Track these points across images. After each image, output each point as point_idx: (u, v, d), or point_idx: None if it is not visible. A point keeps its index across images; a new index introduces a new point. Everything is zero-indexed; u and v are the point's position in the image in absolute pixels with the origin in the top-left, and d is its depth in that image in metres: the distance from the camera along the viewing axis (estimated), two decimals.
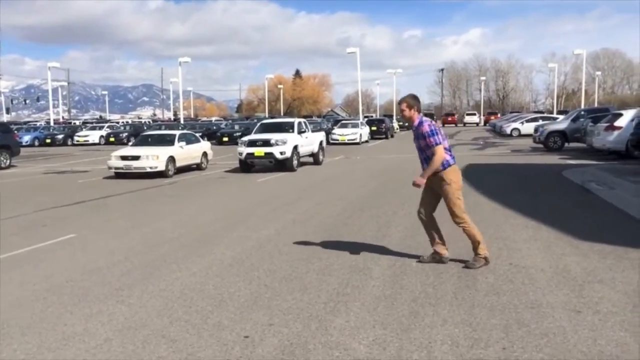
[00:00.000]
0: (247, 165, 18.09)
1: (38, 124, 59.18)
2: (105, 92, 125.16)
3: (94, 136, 41.96)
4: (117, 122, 59.51)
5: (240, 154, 17.97)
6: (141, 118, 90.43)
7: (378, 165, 19.67)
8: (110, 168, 17.41)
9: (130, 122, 63.01)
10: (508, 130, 39.40)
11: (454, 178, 5.88)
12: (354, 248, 7.11)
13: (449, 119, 71.91)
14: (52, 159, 27.33)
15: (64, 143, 41.33)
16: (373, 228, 8.42)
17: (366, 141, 35.59)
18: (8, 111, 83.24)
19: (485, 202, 10.49)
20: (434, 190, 6.03)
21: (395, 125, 51.26)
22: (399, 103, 6.12)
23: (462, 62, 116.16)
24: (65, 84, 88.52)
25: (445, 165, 5.84)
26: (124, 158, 17.27)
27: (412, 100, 5.94)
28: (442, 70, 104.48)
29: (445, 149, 5.84)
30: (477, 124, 69.98)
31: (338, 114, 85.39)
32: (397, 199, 11.25)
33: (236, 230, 8.63)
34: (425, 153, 5.91)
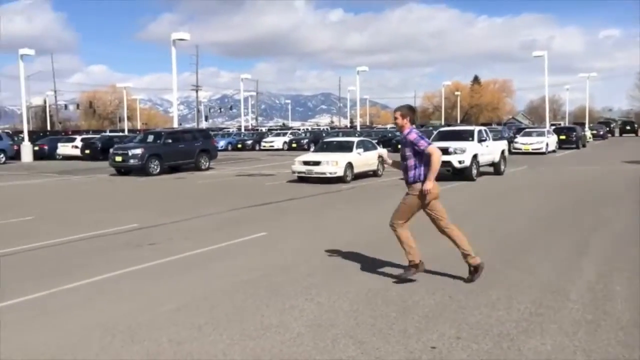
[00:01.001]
0: None
1: (231, 130, 65.32)
2: (288, 101, 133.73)
3: (278, 142, 45.04)
4: (298, 129, 63.22)
5: None
6: (319, 125, 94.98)
7: (567, 178, 18.12)
8: (294, 172, 18.49)
9: (310, 129, 66.53)
10: None
11: (423, 195, 5.92)
12: (545, 266, 6.62)
13: None
14: (243, 163, 29.89)
15: (252, 148, 45.03)
16: (566, 246, 7.75)
17: (553, 151, 33.08)
18: (206, 119, 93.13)
19: None
20: (416, 202, 6.08)
21: (588, 134, 46.86)
22: (395, 111, 6.24)
23: None
24: (254, 93, 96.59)
25: (417, 179, 5.94)
26: (306, 163, 18.22)
27: (407, 111, 6.09)
28: None
29: (423, 164, 5.89)
30: None
31: (520, 122, 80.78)
32: (593, 215, 10.24)
33: (414, 238, 8.54)
34: (409, 162, 5.97)
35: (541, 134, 33.42)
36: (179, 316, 5.07)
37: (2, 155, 31.10)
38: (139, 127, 70.25)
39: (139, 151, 22.29)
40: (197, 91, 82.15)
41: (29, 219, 11.13)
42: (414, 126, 6.07)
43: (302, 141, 43.54)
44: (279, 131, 56.27)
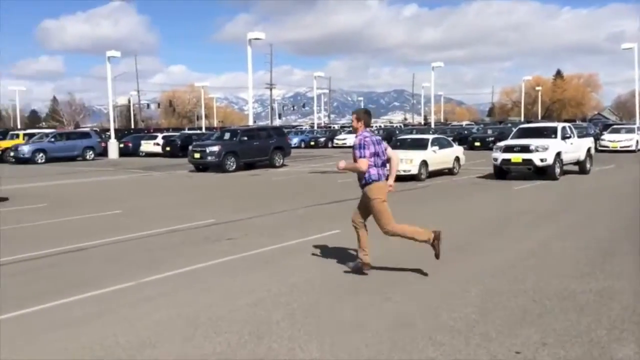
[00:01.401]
0: (503, 172, 17.30)
1: (304, 127, 65.99)
2: (361, 99, 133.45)
3: (350, 139, 44.84)
4: (371, 127, 62.82)
5: (495, 159, 17.28)
6: (392, 123, 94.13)
7: None
8: None
9: (382, 126, 66.05)
10: None
11: (375, 194, 6.14)
12: (637, 270, 6.20)
13: None
14: (315, 160, 30.11)
15: (325, 145, 45.26)
16: None
17: None
18: (280, 116, 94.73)
19: None
20: (365, 204, 6.32)
21: None
22: (352, 113, 6.63)
23: None
24: (327, 91, 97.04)
25: (368, 180, 6.16)
26: None
27: (362, 114, 6.41)
28: None
29: (373, 164, 6.11)
30: None
31: (607, 118, 76.41)
32: None
33: (494, 239, 8.30)
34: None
35: (630, 131, 31.45)
36: (257, 310, 5.16)
37: (91, 152, 33.05)
38: (215, 125, 72.44)
39: (216, 148, 22.97)
40: (271, 89, 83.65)
41: (116, 213, 11.75)
42: (367, 129, 6.33)
43: None
44: (351, 128, 56.14)
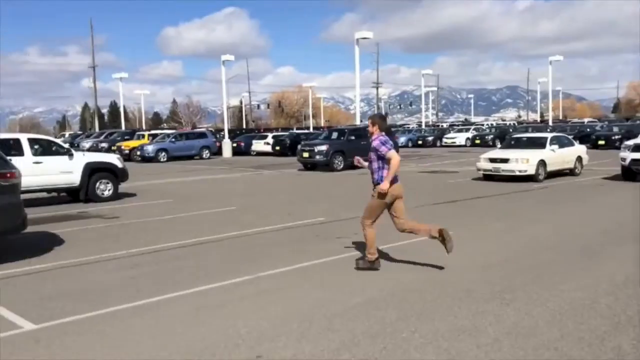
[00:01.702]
0: (632, 173, 15.92)
1: (411, 126, 65.09)
2: (471, 96, 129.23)
3: (460, 138, 43.66)
4: (482, 125, 60.66)
5: (624, 159, 15.94)
6: (505, 120, 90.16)
7: None
8: (479, 170, 17.75)
9: (494, 124, 63.46)
10: None
11: (383, 195, 6.40)
12: None
13: None
14: (424, 159, 29.58)
15: (433, 144, 44.28)
16: None
17: None
18: (386, 115, 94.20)
19: None
20: (392, 202, 6.51)
21: None
22: (368, 119, 6.96)
23: None
24: (435, 89, 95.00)
25: (379, 181, 6.43)
26: (492, 160, 17.36)
27: (377, 119, 6.75)
28: None
29: (382, 167, 6.41)
30: None
31: None
32: None
33: (626, 245, 7.65)
34: (374, 165, 6.52)
35: None
36: (370, 309, 5.15)
37: (207, 151, 34.95)
38: (322, 125, 73.56)
39: (324, 147, 23.31)
40: (377, 88, 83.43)
41: (232, 209, 12.32)
42: (382, 133, 6.58)
43: (486, 137, 41.66)
44: (461, 127, 54.57)
